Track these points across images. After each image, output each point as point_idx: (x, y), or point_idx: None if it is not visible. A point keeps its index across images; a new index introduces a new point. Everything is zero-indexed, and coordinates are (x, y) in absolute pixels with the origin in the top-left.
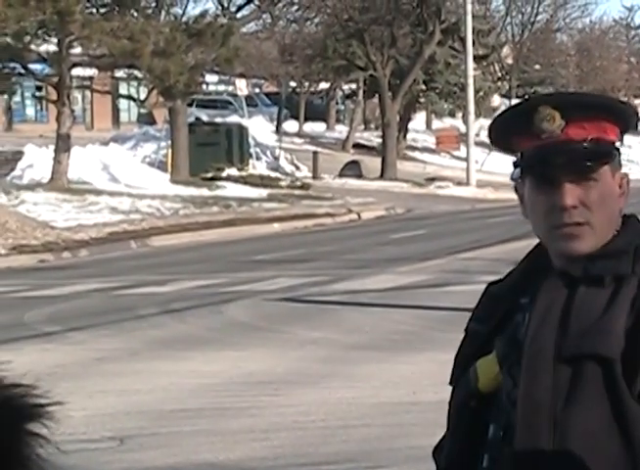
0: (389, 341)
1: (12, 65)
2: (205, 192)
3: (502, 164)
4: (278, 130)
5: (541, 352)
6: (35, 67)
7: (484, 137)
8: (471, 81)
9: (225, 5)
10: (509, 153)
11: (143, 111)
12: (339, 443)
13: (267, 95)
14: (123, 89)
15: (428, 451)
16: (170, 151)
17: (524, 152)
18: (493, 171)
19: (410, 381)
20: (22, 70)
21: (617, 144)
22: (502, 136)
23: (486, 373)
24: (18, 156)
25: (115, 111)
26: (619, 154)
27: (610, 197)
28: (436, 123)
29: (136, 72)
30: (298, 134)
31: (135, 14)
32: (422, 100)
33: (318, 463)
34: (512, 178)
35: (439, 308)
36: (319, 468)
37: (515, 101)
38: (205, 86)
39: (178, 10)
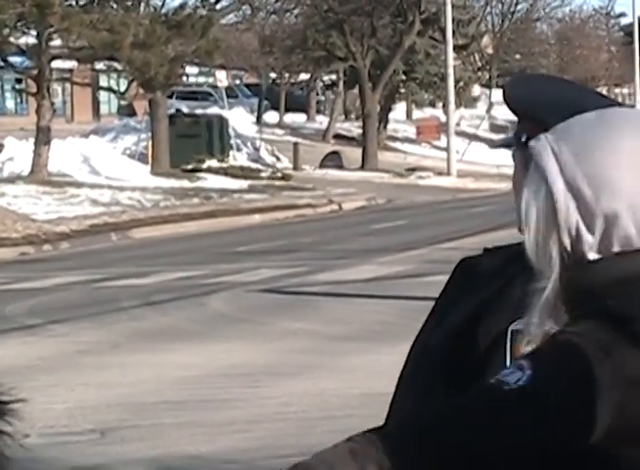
0: (371, 331)
1: None
2: (185, 184)
3: (482, 155)
4: (258, 121)
5: None
6: (15, 59)
7: (465, 127)
8: (451, 71)
9: None
10: (525, 117)
11: (123, 103)
12: (320, 434)
13: (247, 86)
14: (103, 81)
15: None
16: (151, 143)
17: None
18: (474, 161)
19: (392, 372)
20: (2, 63)
21: None
22: (526, 98)
23: None
24: None
25: (96, 103)
26: None
27: None
28: (417, 113)
29: (116, 65)
30: (279, 125)
31: (115, 6)
32: (402, 90)
33: (300, 454)
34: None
35: (421, 299)
36: (301, 459)
37: (495, 91)
38: (185, 78)
39: (158, 2)
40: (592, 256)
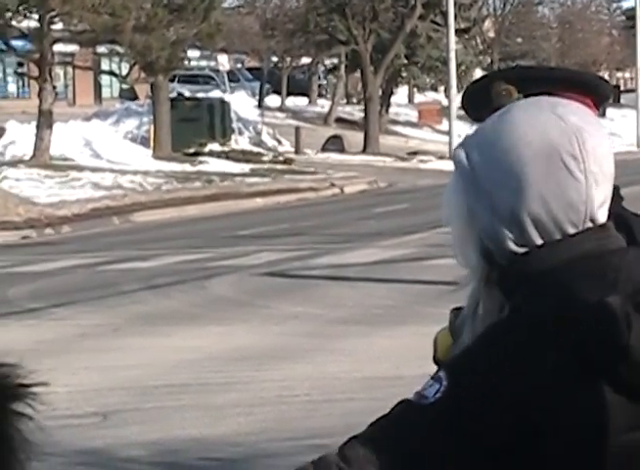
0: (373, 315)
1: None
2: (187, 167)
3: None
4: (260, 105)
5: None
6: (17, 43)
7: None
8: (453, 55)
9: None
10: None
11: (125, 86)
12: (322, 417)
13: (249, 70)
14: (105, 65)
15: None
16: (152, 126)
17: None
18: None
19: (393, 355)
20: (4, 47)
21: None
22: (471, 110)
23: (443, 344)
24: None
25: (97, 86)
26: None
27: None
28: (419, 97)
29: (118, 48)
30: (281, 109)
31: None
32: (404, 74)
33: (302, 437)
34: None
35: (422, 282)
36: (303, 442)
37: None
38: (186, 62)
39: None
40: (517, 249)
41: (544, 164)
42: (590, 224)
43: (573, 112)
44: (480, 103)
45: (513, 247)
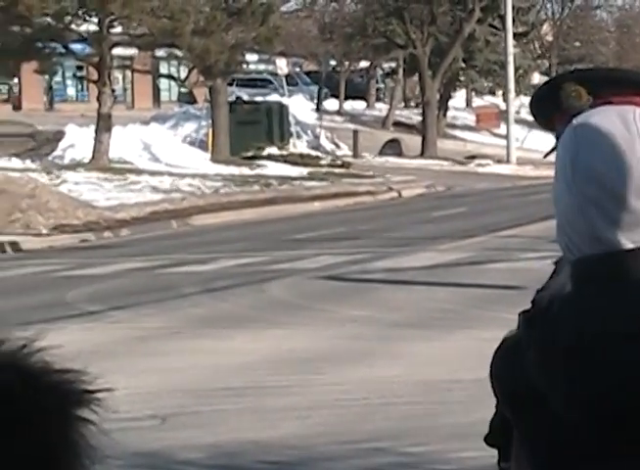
0: (430, 319)
1: (53, 45)
2: (245, 171)
3: (542, 142)
4: (318, 109)
5: None
6: (76, 46)
7: (525, 115)
8: (511, 59)
9: None
10: (551, 130)
11: (183, 90)
12: (380, 420)
13: (307, 74)
14: (164, 68)
15: (469, 429)
16: (211, 130)
17: (558, 129)
18: (534, 149)
19: (451, 359)
20: (63, 50)
21: None
22: (540, 114)
23: None
24: (59, 135)
25: (156, 90)
26: None
27: None
28: (477, 101)
29: (176, 52)
30: (339, 112)
31: None
32: (462, 78)
33: (360, 441)
34: (545, 155)
35: (480, 286)
36: (361, 445)
37: None
38: (245, 65)
39: None
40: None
41: None
42: None
43: None
44: (549, 106)
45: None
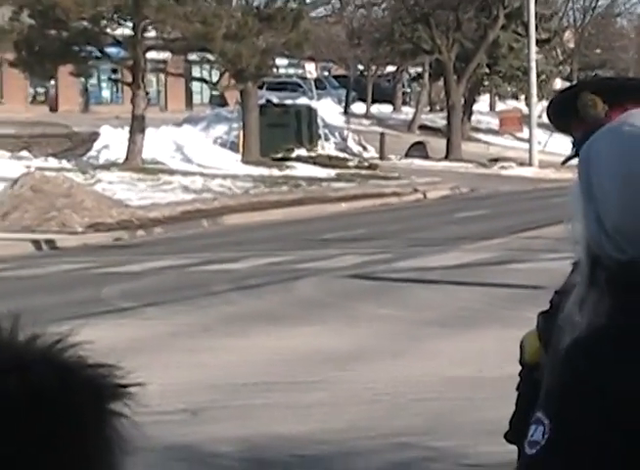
0: (456, 317)
1: (89, 48)
2: (275, 172)
3: (564, 145)
4: (346, 112)
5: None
6: (111, 50)
7: (546, 119)
8: (533, 65)
9: None
10: (569, 134)
11: (215, 93)
12: (407, 416)
13: (336, 78)
14: (196, 72)
15: (497, 425)
16: (242, 132)
17: (575, 136)
18: (555, 152)
19: (476, 357)
20: (99, 54)
21: None
22: (557, 120)
23: (531, 346)
24: (94, 136)
25: (189, 93)
26: None
27: None
28: (500, 106)
29: (209, 56)
30: (366, 116)
31: None
32: (486, 83)
33: (388, 435)
34: (563, 162)
35: (505, 286)
36: (388, 440)
37: None
38: (275, 69)
39: None
40: (621, 257)
41: None
42: None
43: None
44: (565, 113)
45: (617, 255)
